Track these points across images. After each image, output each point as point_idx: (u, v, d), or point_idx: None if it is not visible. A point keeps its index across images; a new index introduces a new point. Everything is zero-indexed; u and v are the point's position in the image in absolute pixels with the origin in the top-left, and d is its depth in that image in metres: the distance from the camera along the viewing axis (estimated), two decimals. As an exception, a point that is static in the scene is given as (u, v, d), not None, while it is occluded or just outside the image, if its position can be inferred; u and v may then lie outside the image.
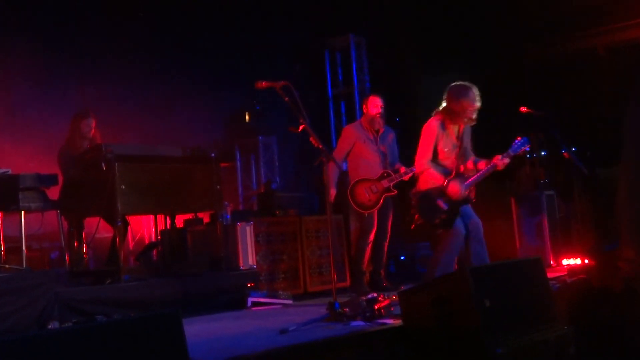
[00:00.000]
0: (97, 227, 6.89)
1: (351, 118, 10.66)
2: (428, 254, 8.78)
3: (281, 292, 6.83)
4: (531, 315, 4.43)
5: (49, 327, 5.27)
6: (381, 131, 7.23)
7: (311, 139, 6.53)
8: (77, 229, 6.81)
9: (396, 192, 7.04)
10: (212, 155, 6.85)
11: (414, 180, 7.09)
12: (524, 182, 9.14)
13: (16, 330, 5.14)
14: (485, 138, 7.83)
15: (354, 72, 10.74)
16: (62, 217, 7.06)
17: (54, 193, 7.03)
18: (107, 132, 7.63)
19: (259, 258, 7.09)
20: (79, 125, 7.22)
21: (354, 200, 6.96)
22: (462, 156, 6.27)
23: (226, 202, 7.43)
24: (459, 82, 6.17)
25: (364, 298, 5.06)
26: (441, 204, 6.10)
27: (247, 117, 10.56)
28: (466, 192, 6.09)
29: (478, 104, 6.09)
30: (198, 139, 9.48)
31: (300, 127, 7.06)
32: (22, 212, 6.68)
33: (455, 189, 6.07)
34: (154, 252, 7.49)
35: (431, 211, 6.12)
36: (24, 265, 6.44)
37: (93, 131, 7.31)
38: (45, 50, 8.61)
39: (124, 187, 6.21)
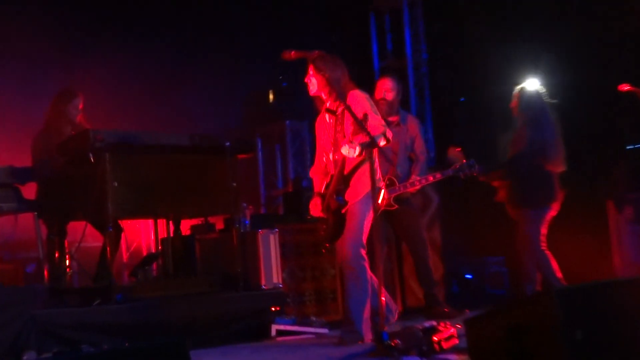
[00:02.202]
0: (83, 234, 6.92)
1: (403, 97, 10.57)
2: (501, 270, 8.72)
3: (313, 319, 6.83)
4: (635, 350, 4.36)
5: (24, 358, 5.31)
6: (394, 122, 7.16)
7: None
8: (58, 235, 6.86)
9: (396, 207, 6.96)
10: (227, 144, 6.86)
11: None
12: (624, 181, 9.00)
13: (-17, 362, 5.20)
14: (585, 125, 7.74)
15: (407, 40, 10.68)
16: (41, 220, 7.12)
17: (30, 191, 7.09)
18: (97, 116, 7.67)
19: (285, 275, 7.09)
20: (65, 108, 7.23)
21: None
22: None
23: (244, 204, 7.45)
24: None
25: (420, 327, 5.03)
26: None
27: (271, 97, 10.57)
28: (336, 201, 5.92)
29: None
30: (210, 125, 9.56)
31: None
32: (-9, 214, 6.75)
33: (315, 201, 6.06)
34: (154, 266, 7.53)
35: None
36: (-6, 281, 6.52)
37: (80, 115, 7.35)
38: (26, 19, 8.69)
39: (116, 184, 6.24)
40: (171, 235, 7.27)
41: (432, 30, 10.71)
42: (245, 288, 6.85)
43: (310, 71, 6.00)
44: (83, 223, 6.88)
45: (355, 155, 5.66)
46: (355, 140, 5.66)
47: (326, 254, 7.43)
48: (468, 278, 9.13)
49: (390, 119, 7.18)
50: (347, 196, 5.85)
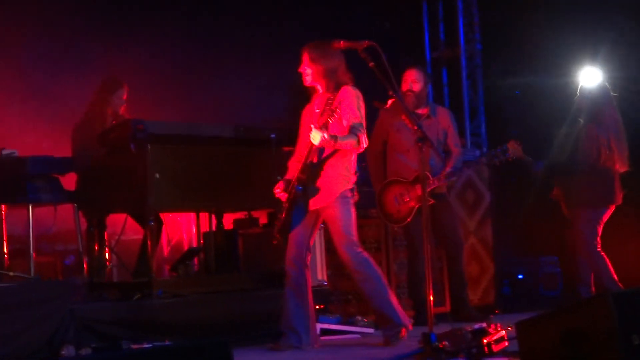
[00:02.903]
0: (124, 227, 7.01)
1: (455, 89, 10.54)
2: (555, 271, 8.66)
3: (359, 318, 6.82)
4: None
5: (63, 353, 5.38)
6: (423, 115, 7.08)
7: (403, 117, 6.51)
8: (98, 228, 6.94)
9: (433, 202, 6.87)
10: (272, 136, 6.88)
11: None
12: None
13: (22, 355, 5.27)
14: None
15: (461, 30, 10.62)
16: (80, 212, 7.20)
17: (70, 182, 7.17)
18: (138, 106, 7.73)
19: (330, 272, 7.09)
20: (108, 98, 7.28)
21: (381, 210, 6.98)
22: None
23: (289, 198, 7.45)
24: None
25: (469, 329, 5.02)
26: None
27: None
28: (295, 190, 5.76)
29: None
30: (255, 116, 9.56)
31: (389, 102, 7.05)
32: (30, 205, 6.82)
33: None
34: (195, 260, 7.58)
35: None
36: (32, 274, 6.60)
37: (123, 105, 7.40)
38: (65, 5, 8.75)
39: (158, 176, 6.30)
40: (213, 229, 7.31)
41: (487, 19, 10.62)
42: (288, 285, 6.87)
43: (305, 61, 5.88)
44: (123, 215, 6.98)
45: (317, 143, 5.57)
46: (325, 127, 5.58)
47: (373, 250, 7.48)
48: (520, 279, 9.07)
49: (419, 111, 7.07)
50: (318, 198, 5.73)
